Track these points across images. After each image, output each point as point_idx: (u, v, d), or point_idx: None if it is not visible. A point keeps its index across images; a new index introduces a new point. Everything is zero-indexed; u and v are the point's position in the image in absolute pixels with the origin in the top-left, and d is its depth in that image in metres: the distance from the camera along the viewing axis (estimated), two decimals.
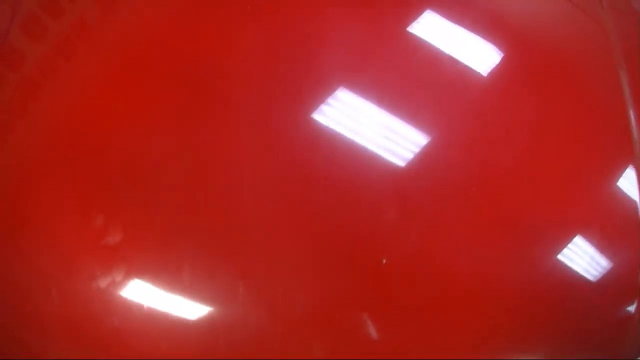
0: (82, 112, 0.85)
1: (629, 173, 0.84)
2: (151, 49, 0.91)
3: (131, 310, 0.70)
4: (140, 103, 0.84)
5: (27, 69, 0.91)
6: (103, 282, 0.71)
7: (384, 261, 0.70)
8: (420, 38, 0.89)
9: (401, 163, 0.78)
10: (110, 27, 0.95)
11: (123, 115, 0.83)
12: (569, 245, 0.77)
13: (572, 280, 0.76)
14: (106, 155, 0.79)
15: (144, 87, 0.86)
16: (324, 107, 0.80)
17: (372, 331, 0.69)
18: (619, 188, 0.84)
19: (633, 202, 0.82)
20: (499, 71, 0.89)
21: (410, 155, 0.78)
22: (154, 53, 0.90)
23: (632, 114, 0.89)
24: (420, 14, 0.90)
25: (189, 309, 0.70)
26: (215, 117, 0.80)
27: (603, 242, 0.78)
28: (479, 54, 0.90)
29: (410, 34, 0.88)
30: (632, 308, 0.75)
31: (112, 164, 0.78)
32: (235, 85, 0.83)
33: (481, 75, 0.88)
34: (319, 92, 0.82)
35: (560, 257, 0.76)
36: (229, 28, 0.90)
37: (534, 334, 0.73)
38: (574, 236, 0.78)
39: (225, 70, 0.85)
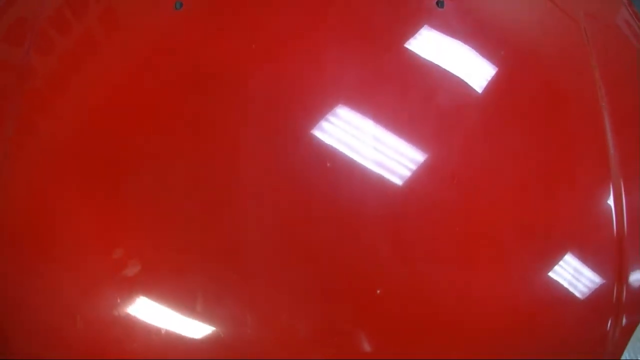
0: (91, 130, 0.90)
1: (606, 191, 0.88)
2: (152, 62, 0.96)
3: (150, 335, 0.77)
4: (149, 121, 0.90)
5: (37, 82, 0.97)
6: (124, 309, 0.78)
7: (378, 292, 0.77)
8: (412, 65, 0.94)
9: (396, 197, 0.83)
10: (114, 41, 1.00)
11: (133, 136, 0.89)
12: (550, 266, 0.82)
13: (551, 299, 0.81)
14: (122, 183, 0.85)
15: (148, 103, 0.91)
16: (324, 130, 0.86)
17: (370, 352, 0.76)
18: (595, 206, 0.88)
19: (609, 219, 0.86)
20: (489, 93, 0.94)
21: (404, 189, 0.84)
22: (155, 66, 0.95)
23: (609, 133, 0.93)
24: (410, 42, 0.95)
25: (202, 333, 0.77)
26: (227, 153, 0.86)
27: (581, 261, 0.83)
28: (471, 76, 0.94)
29: (402, 65, 0.94)
30: (607, 325, 0.80)
31: (128, 195, 0.84)
32: (240, 109, 0.89)
33: (473, 98, 0.93)
34: (319, 114, 0.88)
35: (542, 277, 0.82)
36: (233, 46, 0.95)
37: (517, 351, 0.79)
38: (555, 257, 0.83)
39: (228, 95, 0.90)
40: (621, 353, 0.80)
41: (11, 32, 1.06)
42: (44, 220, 0.85)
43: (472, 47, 0.97)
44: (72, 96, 0.95)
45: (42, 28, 1.02)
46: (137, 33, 1.00)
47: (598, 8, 1.12)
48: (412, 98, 0.91)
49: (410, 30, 0.95)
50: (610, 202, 0.87)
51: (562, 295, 0.81)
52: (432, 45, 0.95)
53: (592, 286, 0.82)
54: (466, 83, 0.94)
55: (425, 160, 0.86)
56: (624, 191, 0.88)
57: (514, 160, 0.90)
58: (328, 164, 0.83)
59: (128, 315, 0.78)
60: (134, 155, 0.87)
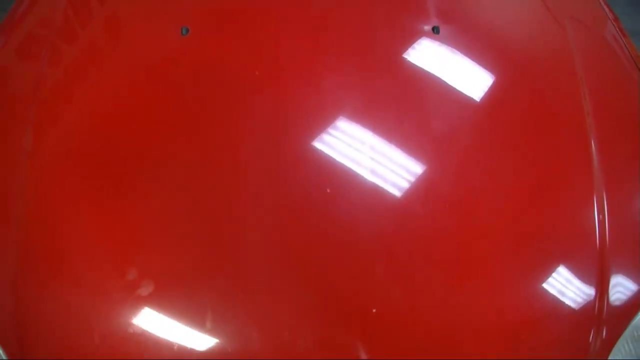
0: (103, 148, 0.95)
1: (589, 204, 0.92)
2: (159, 84, 1.02)
3: (162, 351, 0.82)
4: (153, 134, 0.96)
5: (43, 91, 1.02)
6: (138, 326, 0.83)
7: (374, 310, 0.82)
8: (408, 88, 0.99)
9: (395, 215, 0.89)
10: (122, 61, 1.05)
11: (143, 159, 0.94)
12: (535, 280, 0.87)
13: (535, 312, 0.85)
14: (134, 203, 0.91)
15: (153, 125, 0.97)
16: (324, 150, 0.91)
17: None
18: (579, 220, 0.93)
19: (592, 232, 0.90)
20: (480, 112, 0.99)
21: (400, 208, 0.89)
22: (161, 90, 1.00)
23: (593, 146, 0.97)
24: (406, 68, 1.00)
25: (211, 347, 0.82)
26: (231, 175, 0.91)
27: (564, 273, 0.87)
28: (464, 96, 0.99)
29: (398, 88, 0.99)
30: (590, 336, 0.84)
31: (142, 215, 0.90)
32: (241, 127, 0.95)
33: (465, 117, 0.98)
34: (319, 135, 0.93)
35: (526, 291, 0.87)
36: (237, 72, 1.00)
37: None
38: (540, 271, 0.87)
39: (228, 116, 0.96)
40: None
41: (27, 46, 1.11)
42: (60, 234, 0.90)
43: (465, 70, 1.02)
44: (83, 111, 1.00)
45: (55, 42, 1.08)
46: (144, 56, 1.05)
47: (585, 16, 1.17)
48: (408, 118, 0.97)
49: (407, 55, 1.00)
50: (594, 215, 0.91)
51: (545, 307, 0.86)
52: (427, 69, 1.01)
53: (575, 298, 0.86)
54: (459, 103, 0.99)
55: (418, 180, 0.92)
56: (607, 204, 0.92)
57: (503, 176, 0.95)
58: (328, 190, 0.89)
59: (143, 330, 0.83)
60: (145, 178, 0.93)
